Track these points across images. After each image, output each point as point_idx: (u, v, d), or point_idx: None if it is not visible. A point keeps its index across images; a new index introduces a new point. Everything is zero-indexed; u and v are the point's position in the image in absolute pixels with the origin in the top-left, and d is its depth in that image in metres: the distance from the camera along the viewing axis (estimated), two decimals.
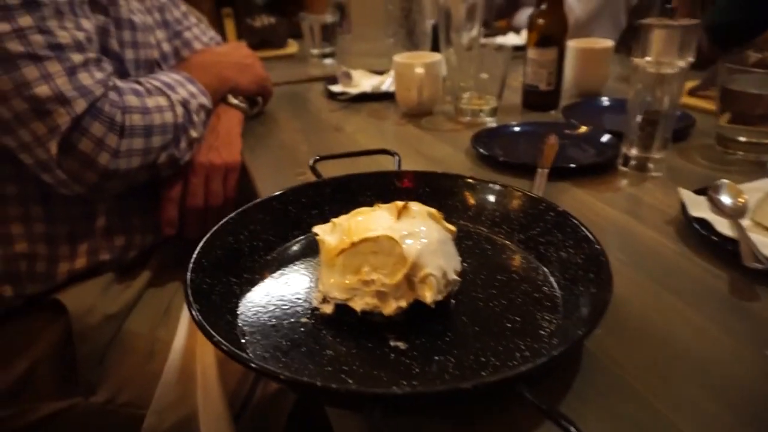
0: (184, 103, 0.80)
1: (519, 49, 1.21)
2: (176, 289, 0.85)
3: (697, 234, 0.57)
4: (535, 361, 0.34)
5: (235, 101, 0.95)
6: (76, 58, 0.66)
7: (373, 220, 0.45)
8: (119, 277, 0.81)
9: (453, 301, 0.47)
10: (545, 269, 0.51)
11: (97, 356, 0.75)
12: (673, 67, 0.69)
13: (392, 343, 0.42)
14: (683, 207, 0.61)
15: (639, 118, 0.74)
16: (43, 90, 0.63)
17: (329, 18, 1.49)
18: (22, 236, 0.73)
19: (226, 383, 0.75)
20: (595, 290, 0.43)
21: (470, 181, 0.61)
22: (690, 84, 1.03)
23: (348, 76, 1.20)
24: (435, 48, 1.28)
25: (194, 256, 0.46)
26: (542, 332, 0.43)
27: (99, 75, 0.69)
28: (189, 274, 0.44)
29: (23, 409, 0.74)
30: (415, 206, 0.46)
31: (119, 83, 0.73)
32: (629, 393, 0.39)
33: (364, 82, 1.20)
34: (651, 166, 0.75)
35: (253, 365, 0.36)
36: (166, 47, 0.95)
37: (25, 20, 0.62)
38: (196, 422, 0.73)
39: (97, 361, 0.75)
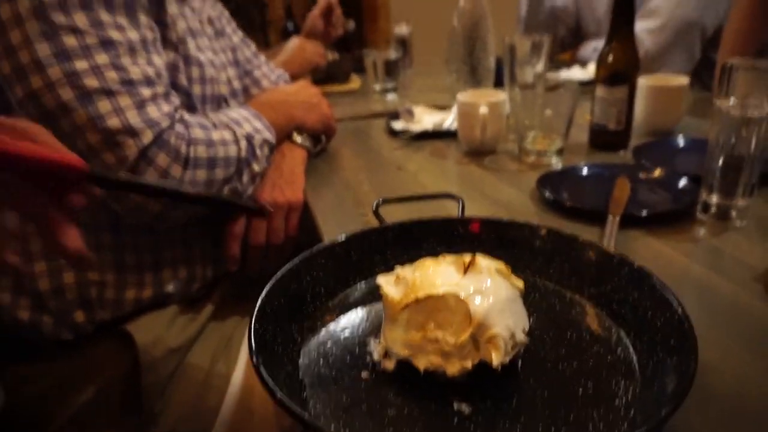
0: (248, 138, 0.82)
1: (586, 84, 1.18)
2: (237, 324, 0.86)
3: None
4: None
5: (299, 139, 0.97)
6: (146, 92, 0.70)
7: (438, 275, 0.44)
8: (184, 310, 0.83)
9: (520, 361, 0.45)
10: (620, 330, 0.48)
11: (160, 387, 0.77)
12: (761, 111, 0.64)
13: (456, 406, 0.41)
14: None
15: (720, 162, 0.69)
16: (114, 123, 0.67)
17: (392, 54, 1.51)
18: (94, 264, 0.76)
19: (282, 419, 0.75)
20: (678, 360, 0.40)
21: (538, 230, 0.58)
22: None
23: (410, 113, 1.21)
24: (498, 83, 1.27)
25: (258, 303, 0.47)
26: (617, 402, 0.40)
27: (166, 108, 0.72)
28: (253, 323, 0.44)
29: None
30: (483, 261, 0.45)
31: (187, 117, 0.76)
32: None
33: (426, 118, 1.20)
34: (734, 214, 0.70)
35: (314, 427, 0.35)
36: (237, 84, 0.99)
37: (102, 58, 0.67)
38: None
39: (160, 393, 0.76)
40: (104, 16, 0.68)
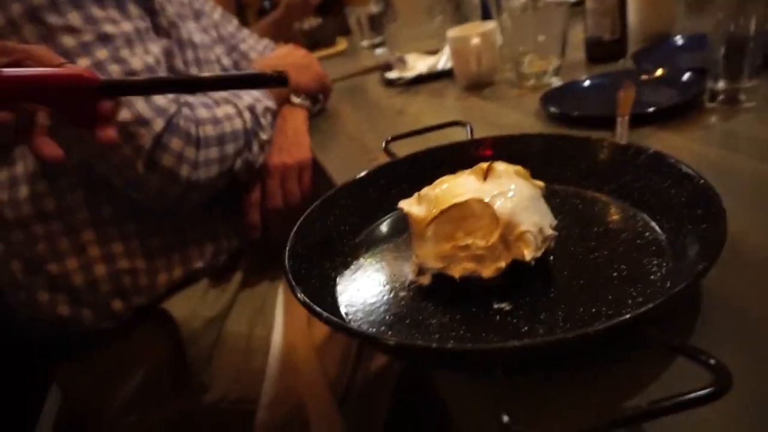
0: (251, 108, 0.83)
1: (576, 5, 1.15)
2: (267, 288, 0.88)
3: None
4: (657, 300, 0.32)
5: (297, 100, 0.97)
6: None
7: (458, 186, 0.45)
8: (214, 282, 0.85)
9: (551, 257, 0.45)
10: (644, 215, 0.49)
11: (205, 358, 0.79)
12: None
13: (496, 306, 0.42)
14: None
15: (722, 49, 0.68)
16: (123, 114, 0.67)
17: (374, 8, 1.49)
18: (123, 254, 0.78)
19: (327, 371, 0.77)
20: (706, 225, 0.40)
21: (550, 137, 0.59)
22: None
23: (402, 61, 1.20)
24: (485, 18, 1.25)
25: (288, 245, 0.47)
26: (653, 277, 0.41)
27: (171, 94, 0.72)
28: (287, 261, 0.45)
29: (148, 413, 0.79)
30: (500, 166, 0.45)
31: (189, 98, 0.76)
32: (758, 325, 0.36)
33: (419, 64, 1.19)
34: (743, 97, 0.69)
35: (366, 334, 0.36)
36: (226, 61, 0.99)
37: (102, 53, 0.67)
38: (304, 411, 0.76)
39: (206, 363, 0.79)
40: (96, 12, 0.68)
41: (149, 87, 0.51)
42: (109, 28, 0.68)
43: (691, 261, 0.39)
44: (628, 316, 0.30)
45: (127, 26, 0.70)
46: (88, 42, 0.67)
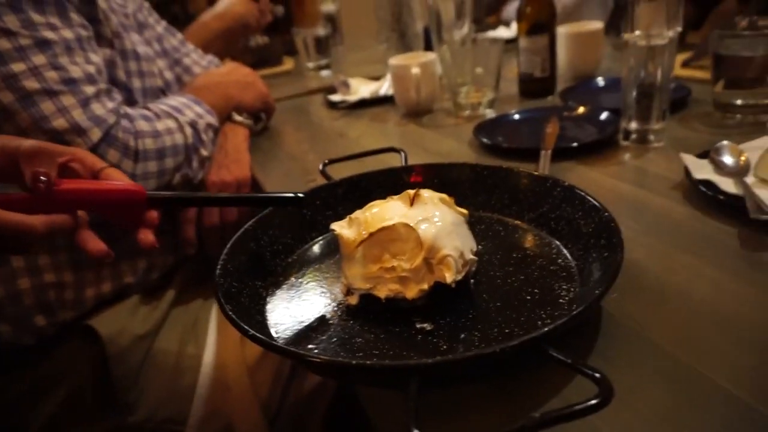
0: (192, 124, 0.83)
1: (511, 42, 1.23)
2: (200, 306, 0.87)
3: (703, 195, 0.59)
4: (557, 321, 0.35)
5: (239, 118, 0.98)
6: (89, 90, 0.69)
7: (387, 210, 0.47)
8: (145, 299, 0.84)
9: (472, 281, 0.49)
10: (558, 243, 0.53)
11: (132, 376, 0.77)
12: (663, 38, 0.70)
13: (418, 326, 0.44)
14: (687, 171, 0.62)
15: (634, 93, 0.75)
16: (60, 123, 0.66)
17: (321, 30, 1.52)
18: (49, 266, 0.76)
19: (259, 390, 0.77)
20: (607, 253, 0.45)
21: (477, 167, 0.62)
22: (682, 56, 1.04)
23: (346, 85, 1.22)
24: (428, 49, 1.30)
25: (220, 262, 0.48)
26: (561, 301, 0.45)
27: (110, 104, 0.72)
28: (217, 278, 0.46)
29: None
30: (426, 193, 0.48)
31: (129, 110, 0.76)
32: (651, 348, 0.40)
33: (362, 89, 1.23)
34: (651, 137, 0.76)
35: (292, 351, 0.37)
36: (168, 75, 0.98)
37: (39, 59, 0.66)
38: (234, 431, 0.75)
39: (133, 382, 0.77)
40: (35, 17, 0.67)
41: (190, 202, 0.55)
42: (48, 34, 0.67)
43: (592, 286, 0.43)
44: (530, 336, 0.33)
45: (67, 33, 0.69)
46: (25, 46, 0.65)
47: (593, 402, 0.28)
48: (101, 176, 0.48)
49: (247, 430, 0.76)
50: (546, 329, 0.34)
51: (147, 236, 0.48)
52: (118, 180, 0.48)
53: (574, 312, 0.37)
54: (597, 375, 0.30)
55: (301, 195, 0.47)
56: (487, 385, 0.39)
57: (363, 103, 1.16)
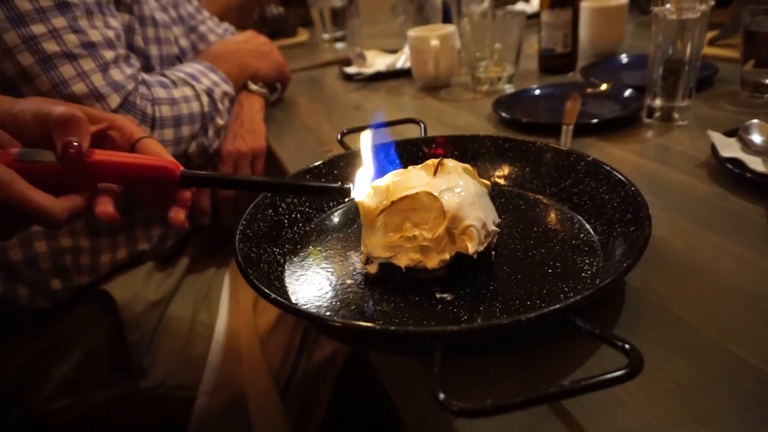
0: (209, 92, 0.82)
1: (532, 17, 1.20)
2: (213, 274, 0.87)
3: (730, 173, 0.57)
4: (583, 292, 0.35)
5: (255, 87, 0.97)
6: (108, 55, 0.68)
7: (410, 179, 0.46)
8: (159, 266, 0.84)
9: (494, 252, 0.48)
10: (580, 217, 0.52)
11: (146, 342, 0.77)
12: (695, 12, 0.68)
13: (438, 296, 0.44)
14: (714, 149, 0.61)
15: (661, 69, 0.73)
16: (79, 88, 0.65)
17: (337, 2, 1.49)
18: (66, 231, 0.76)
19: (271, 360, 0.78)
20: (633, 227, 0.44)
21: (498, 139, 0.61)
22: (710, 34, 1.01)
23: (362, 57, 1.21)
24: (446, 22, 1.28)
25: (239, 228, 0.48)
26: (584, 275, 0.44)
27: (129, 70, 0.71)
28: (237, 243, 0.45)
29: (81, 397, 0.77)
30: (450, 163, 0.47)
31: (146, 77, 0.75)
32: (676, 322, 0.40)
33: (378, 61, 1.21)
34: (676, 115, 0.75)
35: (314, 315, 0.37)
36: (184, 42, 0.97)
37: (59, 21, 0.65)
38: (244, 400, 0.76)
39: (146, 347, 0.77)
40: None
41: (225, 182, 0.52)
42: None
43: (617, 260, 0.42)
44: (557, 306, 0.33)
45: None
46: (45, 8, 0.64)
47: (623, 372, 0.28)
48: (138, 147, 0.46)
49: (257, 399, 0.76)
50: (574, 299, 0.34)
51: (178, 215, 0.46)
52: (154, 152, 0.46)
53: (602, 284, 0.36)
54: (627, 346, 0.29)
55: (347, 186, 0.45)
56: (507, 356, 0.39)
57: (379, 76, 1.14)
